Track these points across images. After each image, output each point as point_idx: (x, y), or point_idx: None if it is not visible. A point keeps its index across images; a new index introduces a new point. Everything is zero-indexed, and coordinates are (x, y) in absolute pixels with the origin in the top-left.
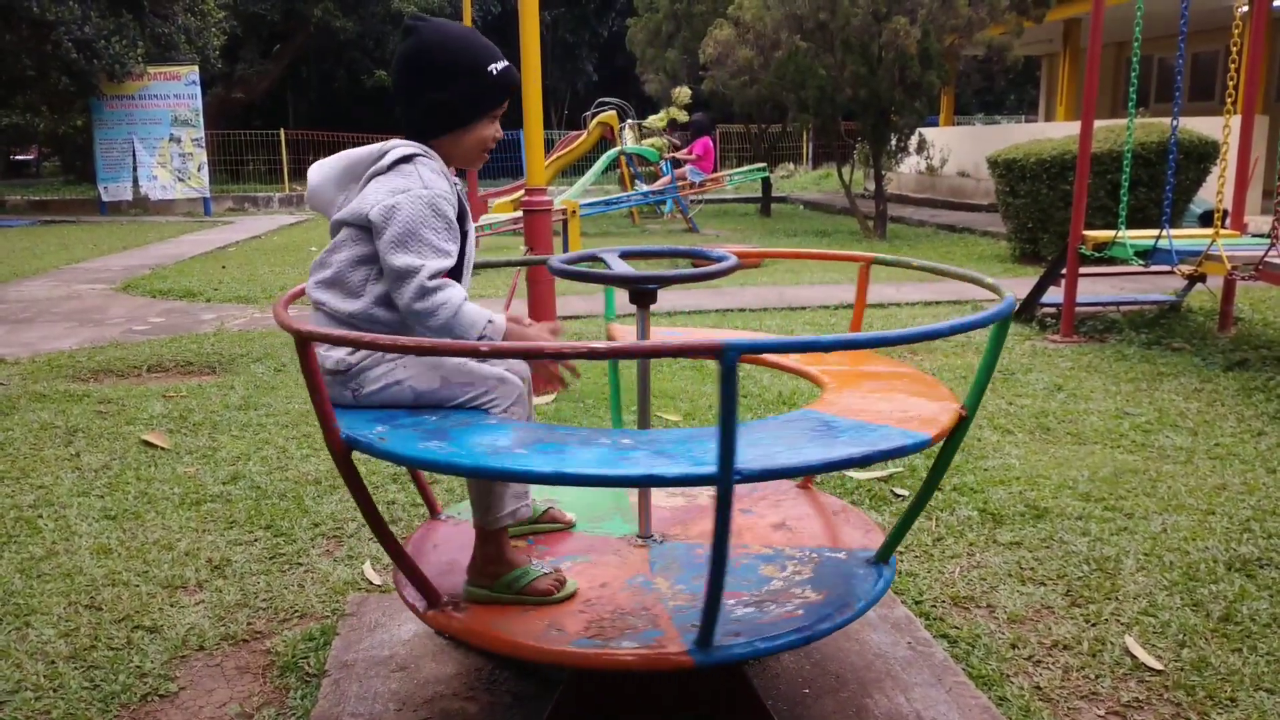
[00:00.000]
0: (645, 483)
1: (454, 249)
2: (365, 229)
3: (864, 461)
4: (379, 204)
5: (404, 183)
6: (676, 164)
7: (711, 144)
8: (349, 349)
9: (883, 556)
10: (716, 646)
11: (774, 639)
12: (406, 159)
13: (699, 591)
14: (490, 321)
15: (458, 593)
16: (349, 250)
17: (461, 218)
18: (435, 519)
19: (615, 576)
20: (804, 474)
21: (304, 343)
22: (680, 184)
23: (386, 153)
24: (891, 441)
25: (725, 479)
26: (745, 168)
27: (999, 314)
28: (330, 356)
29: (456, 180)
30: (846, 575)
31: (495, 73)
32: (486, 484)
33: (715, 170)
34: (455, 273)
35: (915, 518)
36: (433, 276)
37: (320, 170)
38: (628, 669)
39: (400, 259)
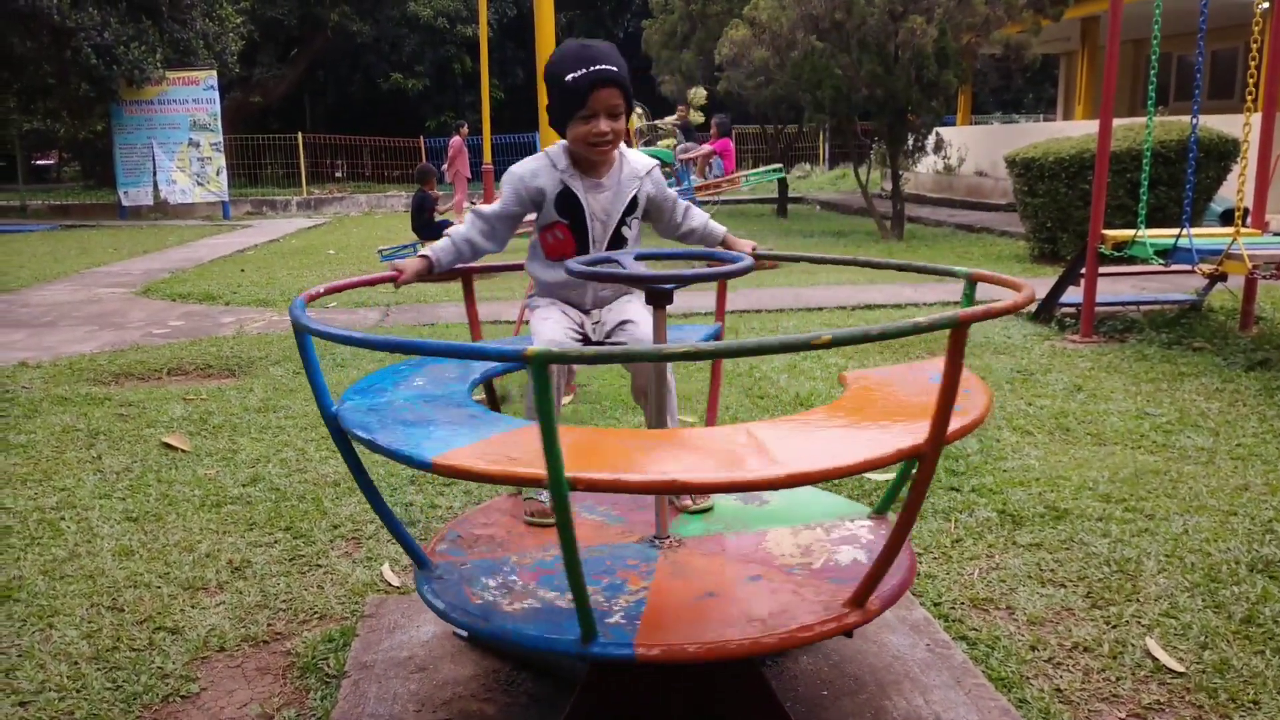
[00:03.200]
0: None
1: (498, 210)
2: None
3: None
4: None
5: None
6: (689, 135)
7: (731, 145)
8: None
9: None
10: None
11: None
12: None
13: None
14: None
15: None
16: None
17: (568, 200)
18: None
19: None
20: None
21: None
22: (698, 181)
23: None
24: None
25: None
26: (761, 168)
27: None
28: None
29: (565, 169)
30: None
31: (571, 81)
32: None
33: (733, 171)
34: (581, 244)
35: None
36: (472, 211)
37: None
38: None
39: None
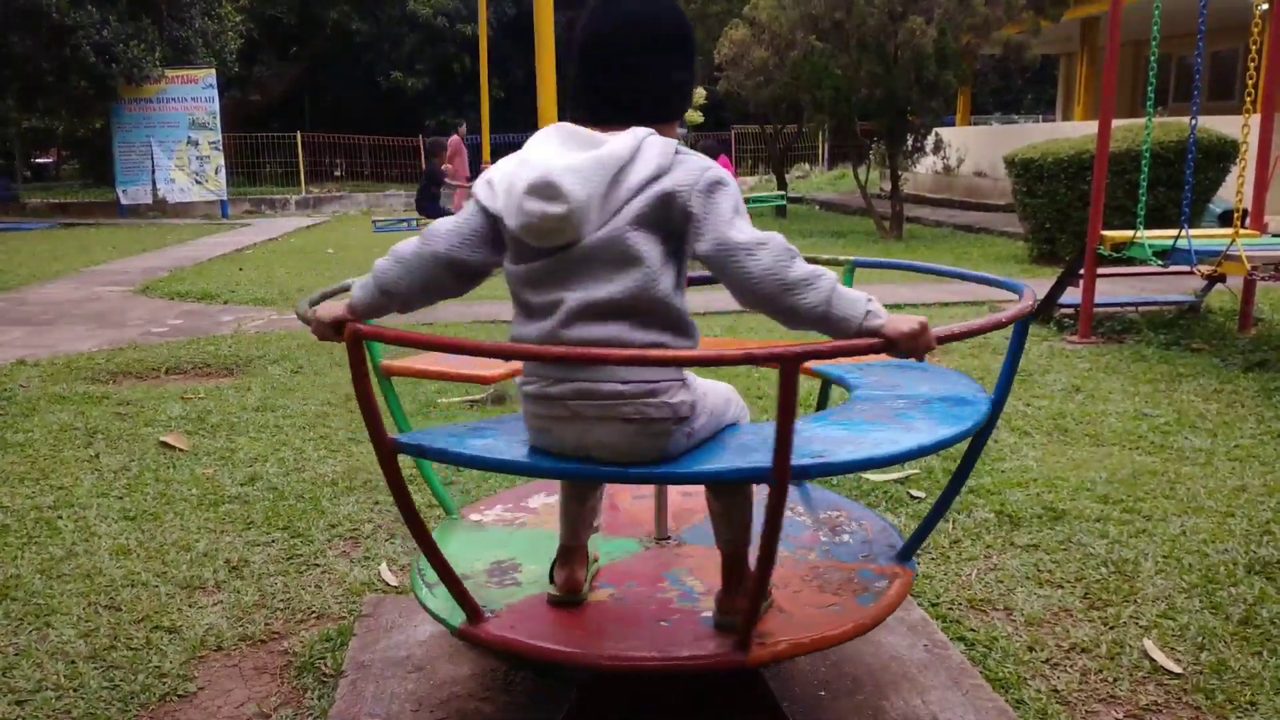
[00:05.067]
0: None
1: None
2: (660, 230)
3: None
4: (698, 181)
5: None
6: None
7: (729, 163)
8: (687, 390)
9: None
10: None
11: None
12: (676, 150)
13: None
14: (870, 299)
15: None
16: (643, 266)
17: None
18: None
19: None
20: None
21: (792, 365)
22: None
23: (644, 144)
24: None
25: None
26: (764, 194)
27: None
28: (669, 402)
29: None
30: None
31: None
32: (743, 502)
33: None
34: None
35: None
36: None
37: (582, 179)
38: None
39: (749, 228)
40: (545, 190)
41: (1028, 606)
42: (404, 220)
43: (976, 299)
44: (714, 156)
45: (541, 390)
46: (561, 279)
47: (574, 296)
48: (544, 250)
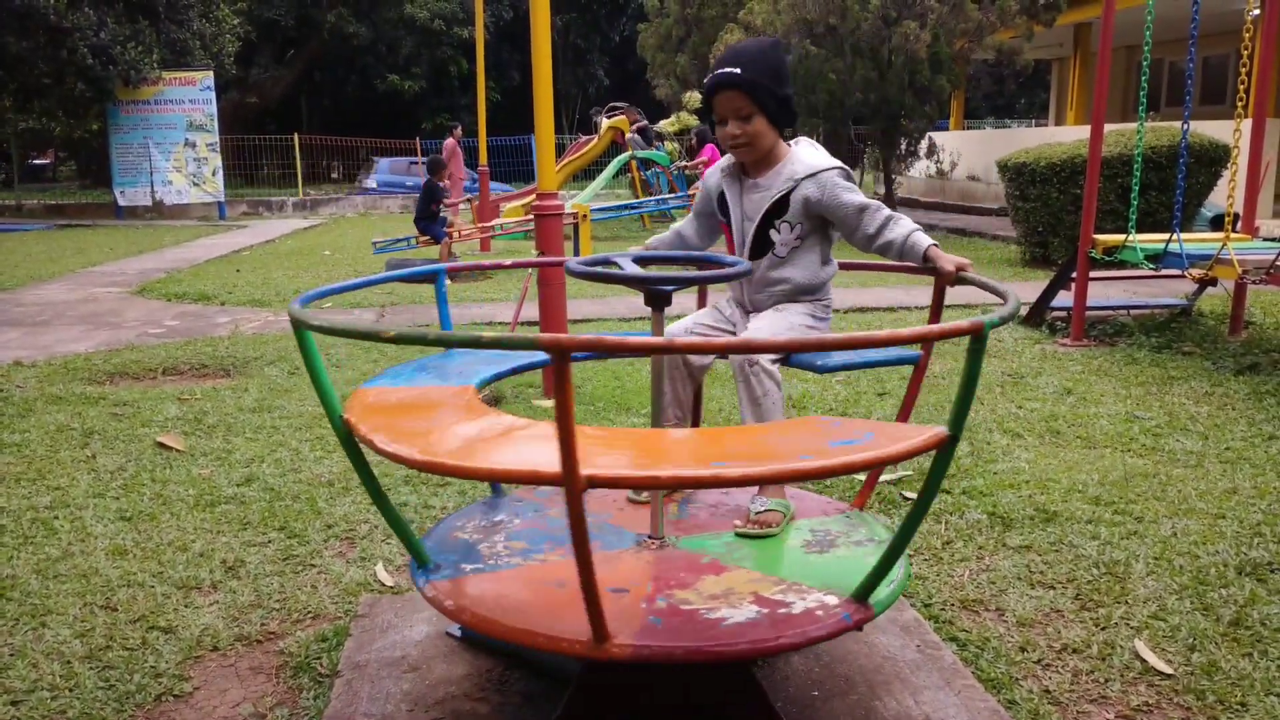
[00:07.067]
0: None
1: (695, 208)
2: None
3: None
4: None
5: None
6: (690, 180)
7: (718, 150)
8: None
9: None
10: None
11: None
12: None
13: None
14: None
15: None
16: None
17: (723, 200)
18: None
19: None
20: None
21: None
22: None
23: None
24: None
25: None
26: None
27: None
28: None
29: (727, 169)
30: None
31: (703, 88)
32: None
33: None
34: (735, 244)
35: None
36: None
37: None
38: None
39: None
40: None
41: (1019, 607)
42: (402, 239)
43: (970, 302)
44: (705, 142)
45: None
46: None
47: None
48: None
